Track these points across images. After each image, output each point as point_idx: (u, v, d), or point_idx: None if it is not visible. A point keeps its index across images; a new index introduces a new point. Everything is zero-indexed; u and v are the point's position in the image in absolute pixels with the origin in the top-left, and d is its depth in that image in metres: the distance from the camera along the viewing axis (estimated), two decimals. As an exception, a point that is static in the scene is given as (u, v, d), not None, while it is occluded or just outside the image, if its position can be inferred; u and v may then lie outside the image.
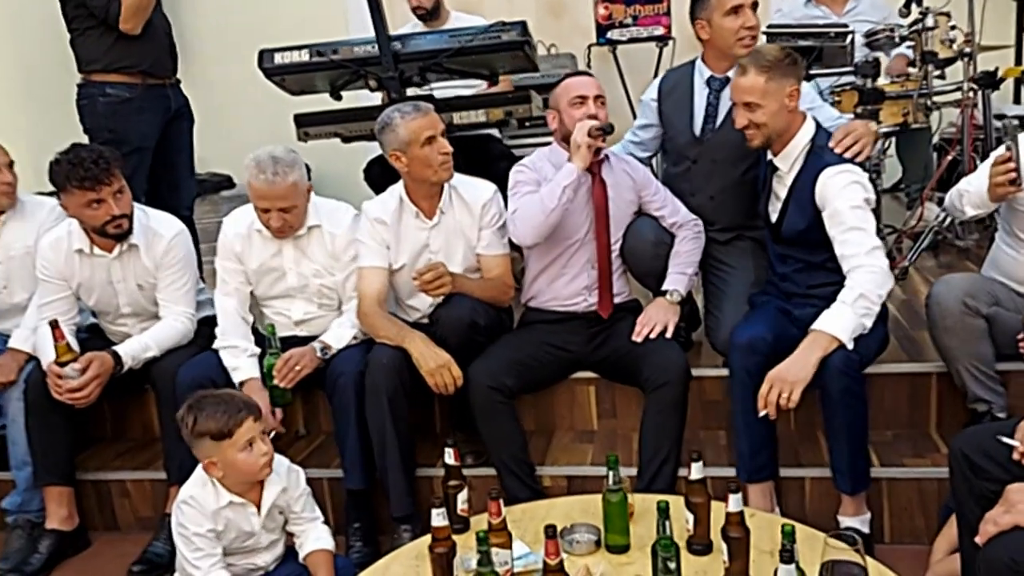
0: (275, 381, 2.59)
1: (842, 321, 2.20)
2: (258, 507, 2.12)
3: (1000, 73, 3.66)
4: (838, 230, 2.32)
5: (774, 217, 2.54)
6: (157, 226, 2.83)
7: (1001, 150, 2.29)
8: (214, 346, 2.72)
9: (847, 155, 2.39)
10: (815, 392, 2.57)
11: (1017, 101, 4.23)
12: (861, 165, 2.41)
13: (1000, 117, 3.95)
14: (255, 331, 2.80)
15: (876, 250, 2.27)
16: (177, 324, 2.82)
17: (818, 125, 2.46)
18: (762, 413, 2.22)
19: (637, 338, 2.56)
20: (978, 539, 1.59)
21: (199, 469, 2.10)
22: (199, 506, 2.06)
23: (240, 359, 2.67)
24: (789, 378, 2.18)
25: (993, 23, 4.12)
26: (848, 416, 2.25)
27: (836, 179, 2.33)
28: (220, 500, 2.08)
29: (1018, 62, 4.20)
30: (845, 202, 2.31)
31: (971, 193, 2.45)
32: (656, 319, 2.59)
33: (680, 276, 2.68)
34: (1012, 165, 2.26)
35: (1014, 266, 2.45)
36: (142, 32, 3.24)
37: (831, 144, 2.41)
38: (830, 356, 2.21)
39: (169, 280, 2.82)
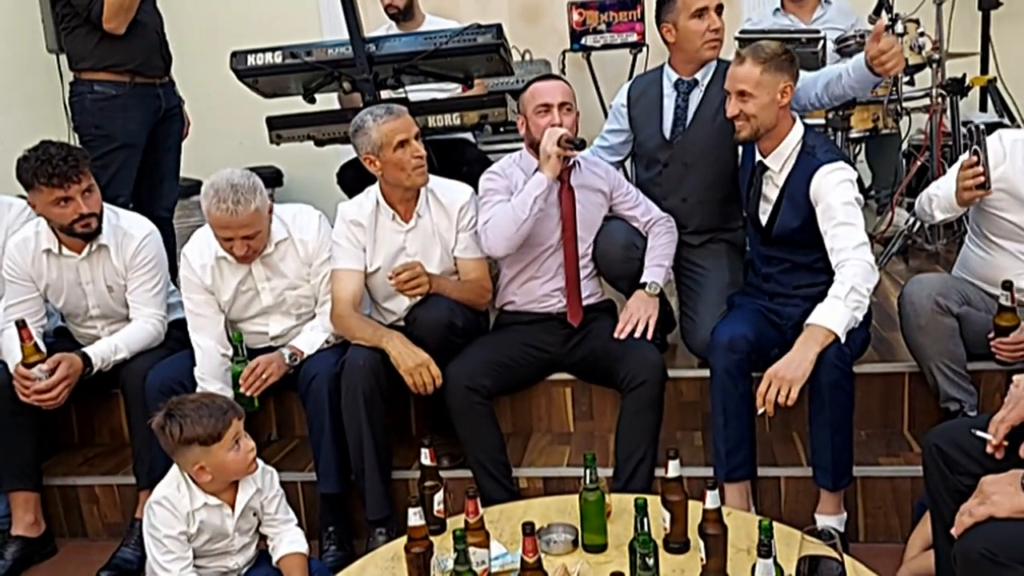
0: (240, 390, 2.53)
1: (836, 315, 2.22)
2: (232, 508, 2.09)
3: (968, 81, 3.72)
4: (829, 224, 2.35)
5: (764, 218, 2.56)
6: (128, 227, 2.78)
7: (968, 154, 2.33)
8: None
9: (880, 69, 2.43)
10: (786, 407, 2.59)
11: (984, 109, 4.30)
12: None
13: (968, 124, 4.02)
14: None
15: (864, 245, 2.31)
16: (147, 326, 2.77)
17: (807, 127, 2.50)
18: (760, 411, 2.22)
19: (621, 335, 2.56)
20: (954, 531, 1.60)
21: (173, 470, 2.07)
22: (172, 508, 2.04)
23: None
24: (788, 376, 2.18)
25: (960, 31, 4.19)
26: (836, 410, 2.26)
27: (831, 176, 2.37)
28: (195, 501, 2.05)
29: (984, 70, 4.27)
30: (838, 198, 2.35)
31: (940, 197, 2.49)
32: (638, 314, 2.59)
33: (657, 268, 2.69)
34: (980, 169, 2.30)
35: (984, 267, 2.49)
36: (130, 31, 3.19)
37: (869, 50, 2.44)
38: (823, 349, 2.23)
39: (140, 282, 2.78)
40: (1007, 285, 2.31)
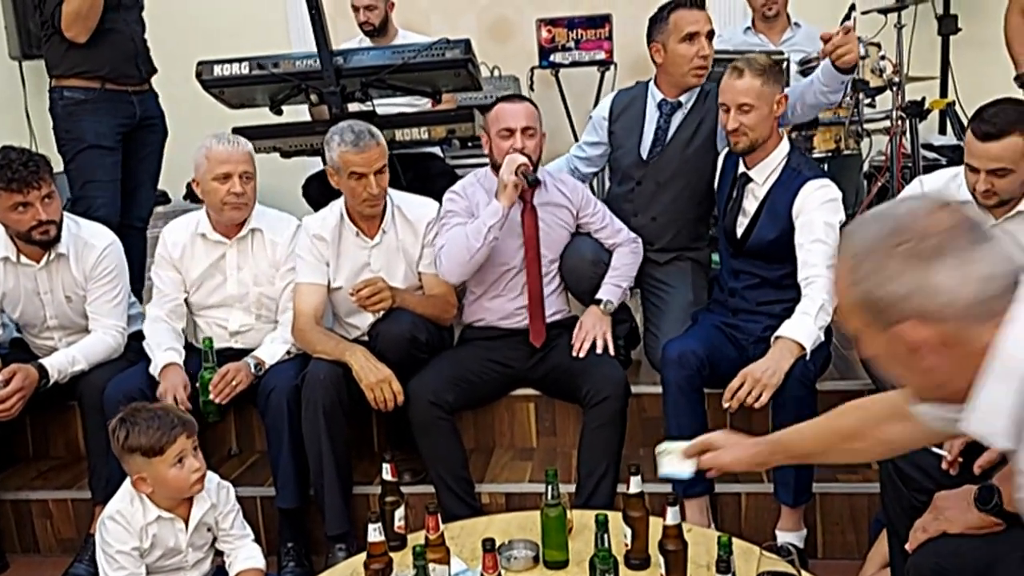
0: (211, 396, 2.51)
1: (806, 329, 2.25)
2: (186, 523, 2.06)
3: (927, 104, 3.80)
4: (806, 238, 2.37)
5: (740, 230, 2.58)
6: (88, 236, 2.75)
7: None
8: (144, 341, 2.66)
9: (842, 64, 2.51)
10: (751, 409, 2.61)
11: (943, 132, 4.39)
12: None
13: (928, 147, 4.10)
14: (190, 347, 2.73)
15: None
16: (107, 338, 2.73)
17: (792, 144, 2.53)
18: (726, 406, 2.24)
19: (579, 353, 2.56)
20: (908, 546, 1.63)
21: (126, 484, 2.04)
22: (125, 522, 2.00)
23: (162, 351, 2.60)
24: (763, 379, 2.20)
25: (920, 55, 4.28)
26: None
27: (820, 192, 2.41)
28: (148, 515, 2.02)
29: (943, 94, 4.36)
30: (820, 215, 2.38)
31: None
32: (593, 331, 2.60)
33: (615, 288, 2.70)
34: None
35: None
36: (103, 39, 3.18)
37: (824, 52, 2.52)
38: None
39: (99, 292, 2.74)
40: None
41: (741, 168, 2.56)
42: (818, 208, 2.39)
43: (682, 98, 2.81)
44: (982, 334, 1.08)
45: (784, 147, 2.50)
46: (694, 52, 2.70)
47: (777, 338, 2.26)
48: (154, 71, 3.42)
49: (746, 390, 2.20)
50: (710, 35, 2.73)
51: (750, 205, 2.55)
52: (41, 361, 2.62)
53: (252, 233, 2.71)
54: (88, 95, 3.20)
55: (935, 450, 1.82)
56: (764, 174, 2.51)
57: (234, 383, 2.52)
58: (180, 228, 2.75)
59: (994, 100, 2.25)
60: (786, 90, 2.70)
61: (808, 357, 2.26)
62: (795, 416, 2.24)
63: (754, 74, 2.40)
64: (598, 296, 2.68)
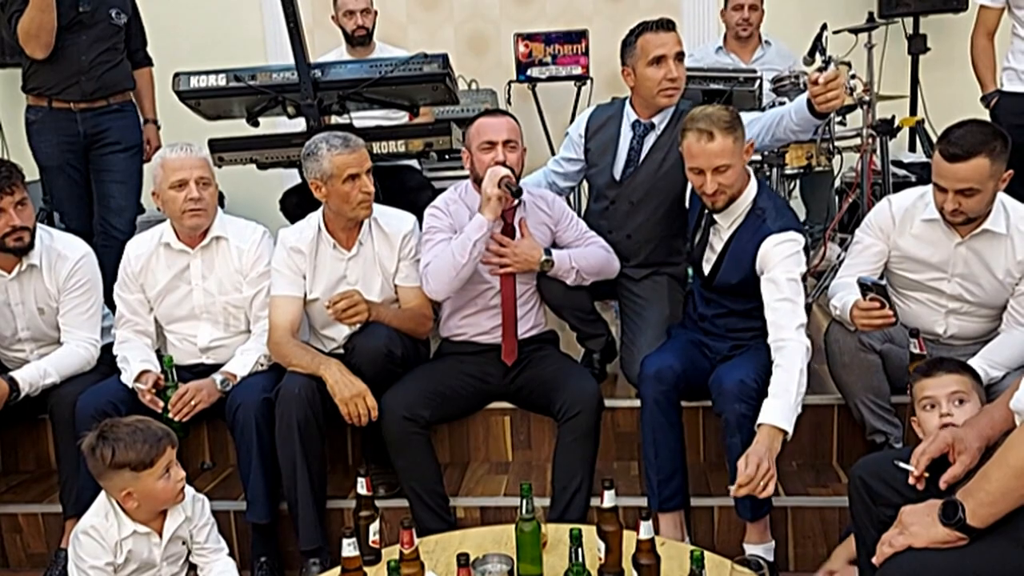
0: (169, 415, 2.49)
1: (785, 413, 2.18)
2: (160, 536, 2.05)
3: (897, 122, 3.87)
4: (773, 297, 2.34)
5: (707, 268, 2.59)
6: (62, 248, 2.73)
7: (867, 299, 2.32)
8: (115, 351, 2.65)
9: (822, 108, 2.46)
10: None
11: (912, 149, 4.47)
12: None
13: (898, 164, 4.18)
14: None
15: (802, 327, 2.30)
16: (80, 350, 2.71)
17: (760, 185, 2.49)
18: (737, 492, 2.11)
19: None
20: (875, 560, 1.65)
21: (101, 498, 2.03)
22: (100, 537, 1.99)
23: (137, 362, 2.60)
24: (771, 470, 2.09)
25: (890, 74, 4.37)
26: (743, 442, 2.25)
27: (781, 248, 2.37)
28: (123, 530, 2.01)
29: (913, 112, 4.45)
30: (784, 272, 2.34)
31: (839, 312, 2.50)
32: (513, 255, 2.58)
33: (565, 253, 2.64)
34: (887, 312, 2.29)
35: (902, 314, 2.53)
36: (52, 56, 3.24)
37: (812, 92, 2.46)
38: (724, 383, 2.29)
39: (72, 304, 2.72)
40: (914, 333, 2.35)
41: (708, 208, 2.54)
42: (780, 265, 2.35)
43: (655, 119, 2.84)
44: None
45: (752, 188, 2.47)
46: (662, 75, 2.71)
47: (760, 425, 2.19)
48: (118, 89, 3.43)
49: (758, 479, 2.07)
50: (679, 56, 2.73)
51: (716, 243, 2.55)
52: (12, 374, 2.59)
53: (216, 241, 2.70)
54: (37, 114, 3.34)
55: (902, 465, 1.85)
56: (729, 219, 2.49)
57: (192, 402, 2.50)
58: (144, 240, 2.74)
59: (960, 121, 2.30)
60: (756, 116, 2.74)
61: (790, 438, 2.20)
62: (738, 432, 2.28)
63: (724, 133, 2.33)
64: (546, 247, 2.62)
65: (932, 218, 2.43)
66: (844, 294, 2.48)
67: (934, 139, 4.16)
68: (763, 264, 2.40)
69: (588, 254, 2.70)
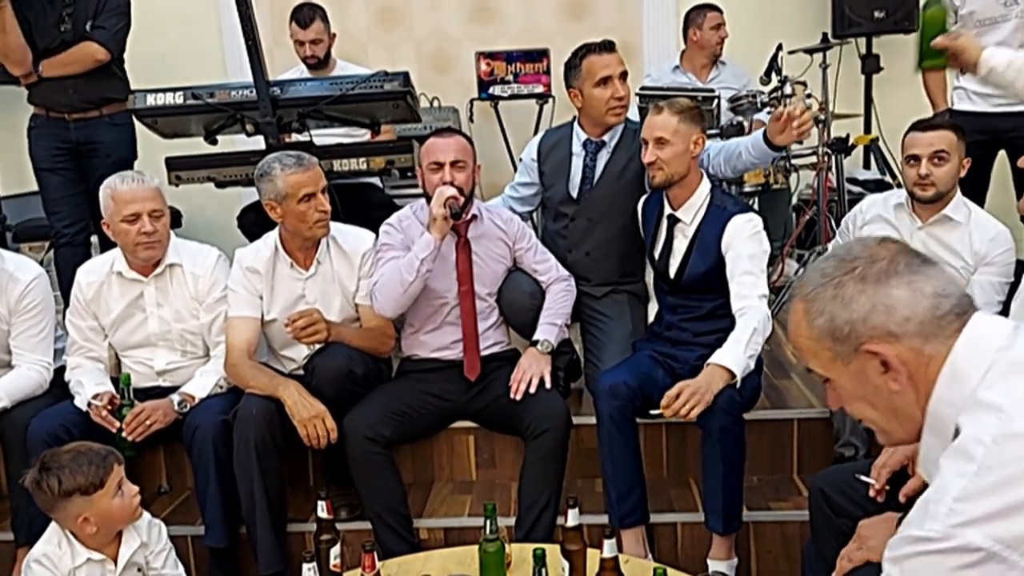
0: (123, 434, 2.44)
1: (734, 356, 2.27)
2: (115, 563, 1.99)
3: (851, 140, 3.95)
4: (737, 271, 2.45)
5: (673, 267, 2.63)
6: (13, 269, 2.67)
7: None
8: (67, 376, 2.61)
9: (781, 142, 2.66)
10: (687, 436, 2.65)
11: (867, 167, 4.56)
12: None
13: (853, 181, 4.25)
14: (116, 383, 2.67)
15: (764, 298, 2.42)
16: (32, 373, 2.65)
17: (713, 183, 2.63)
18: (656, 412, 2.26)
19: (516, 396, 2.54)
20: (834, 575, 1.66)
21: (52, 527, 1.97)
22: (52, 566, 1.94)
23: (92, 384, 2.56)
24: (697, 393, 2.18)
25: (844, 93, 4.45)
26: (727, 456, 2.31)
27: (744, 226, 2.48)
28: (76, 558, 1.96)
29: (867, 130, 4.53)
30: (747, 248, 2.46)
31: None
32: (530, 371, 2.60)
33: (550, 327, 2.70)
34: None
35: None
36: None
37: (776, 127, 2.63)
38: (717, 395, 2.29)
39: (25, 326, 2.66)
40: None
41: (668, 210, 2.63)
42: (745, 241, 2.47)
43: (605, 137, 2.88)
44: (940, 353, 1.14)
45: (706, 185, 2.60)
46: (609, 95, 2.78)
47: (708, 364, 2.29)
48: (110, 100, 3.45)
49: (682, 401, 2.18)
50: (623, 75, 2.81)
51: (680, 244, 2.62)
52: (-39, 398, 2.53)
53: (170, 269, 2.66)
54: (35, 122, 3.49)
55: (863, 478, 1.87)
56: (691, 213, 2.59)
57: (148, 422, 2.46)
58: (95, 268, 2.69)
59: None
60: (716, 145, 2.82)
61: (738, 385, 2.30)
62: (721, 445, 2.30)
63: (672, 112, 2.51)
64: (535, 337, 2.68)
65: (899, 202, 2.76)
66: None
67: (888, 157, 4.25)
68: (728, 243, 2.50)
69: (562, 307, 2.76)
